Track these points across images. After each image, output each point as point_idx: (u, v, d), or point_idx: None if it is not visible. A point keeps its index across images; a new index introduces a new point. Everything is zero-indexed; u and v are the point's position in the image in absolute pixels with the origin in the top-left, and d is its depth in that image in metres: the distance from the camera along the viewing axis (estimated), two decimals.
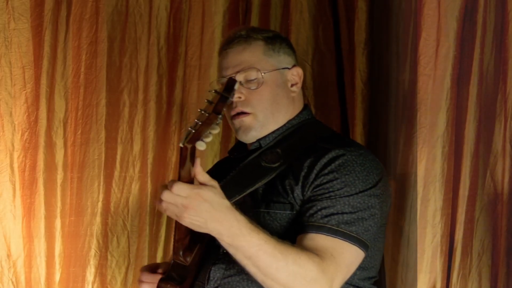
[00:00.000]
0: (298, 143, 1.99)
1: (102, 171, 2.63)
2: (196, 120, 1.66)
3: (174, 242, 1.84)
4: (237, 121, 2.01)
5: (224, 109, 1.69)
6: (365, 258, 1.88)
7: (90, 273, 2.62)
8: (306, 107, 2.11)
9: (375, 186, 1.88)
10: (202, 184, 1.70)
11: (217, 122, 1.65)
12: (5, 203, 2.60)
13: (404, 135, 2.20)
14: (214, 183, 1.72)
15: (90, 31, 2.65)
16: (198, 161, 1.70)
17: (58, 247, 2.61)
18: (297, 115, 2.06)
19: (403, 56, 2.25)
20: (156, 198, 1.72)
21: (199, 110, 1.68)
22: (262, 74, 1.99)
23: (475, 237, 2.04)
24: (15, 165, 2.60)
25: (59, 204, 2.62)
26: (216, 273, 1.89)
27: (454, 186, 2.07)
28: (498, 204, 1.99)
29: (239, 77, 1.99)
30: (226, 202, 1.71)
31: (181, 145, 1.68)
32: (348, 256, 1.81)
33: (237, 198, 1.90)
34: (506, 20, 1.97)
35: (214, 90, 1.69)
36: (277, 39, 2.07)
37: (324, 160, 1.87)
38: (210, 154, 2.63)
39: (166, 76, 2.68)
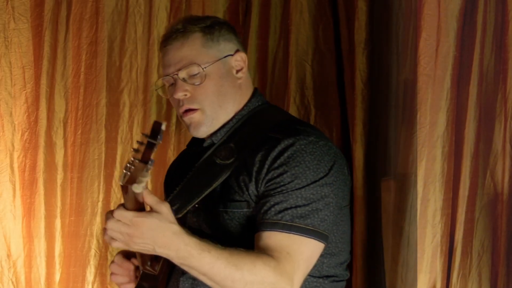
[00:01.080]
0: (250, 134, 1.95)
1: (102, 171, 2.63)
2: (128, 164, 1.65)
3: (138, 254, 1.86)
4: (187, 119, 1.98)
5: (154, 153, 1.65)
6: (330, 244, 1.88)
7: (90, 273, 2.63)
8: (255, 92, 2.06)
9: (327, 175, 1.85)
10: (150, 207, 1.69)
11: (147, 169, 1.62)
12: (5, 203, 2.60)
13: (404, 135, 2.20)
14: (161, 206, 1.70)
15: (90, 31, 2.65)
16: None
17: (58, 247, 2.61)
18: (246, 104, 2.02)
19: (403, 56, 2.25)
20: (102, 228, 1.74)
21: (132, 149, 1.67)
22: (204, 68, 1.95)
23: (475, 237, 2.04)
24: (15, 165, 2.60)
25: (59, 204, 2.62)
26: (185, 283, 1.89)
27: (454, 186, 2.07)
28: (498, 204, 2.00)
29: (182, 74, 1.95)
30: (172, 228, 1.70)
31: (121, 183, 1.67)
32: (305, 251, 1.80)
33: (196, 201, 1.90)
34: (506, 20, 1.97)
35: (142, 133, 1.66)
36: (215, 27, 2.00)
37: (274, 154, 1.85)
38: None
39: None
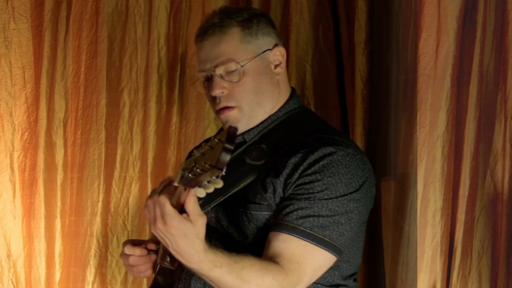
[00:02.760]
0: (284, 138, 1.91)
1: (102, 171, 2.63)
2: (194, 166, 1.56)
3: (161, 247, 1.82)
4: (223, 116, 1.93)
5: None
6: (343, 258, 1.87)
7: (90, 273, 2.63)
8: (293, 93, 2.01)
9: (357, 191, 1.82)
10: (188, 213, 1.64)
11: (219, 176, 1.53)
12: (5, 203, 2.60)
13: (404, 135, 2.20)
14: (198, 219, 1.64)
15: (90, 31, 2.65)
16: (194, 191, 1.62)
17: (58, 247, 2.61)
18: (283, 106, 1.97)
19: (403, 56, 2.25)
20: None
21: (196, 152, 1.58)
22: (242, 65, 1.90)
23: (475, 237, 2.04)
24: (15, 165, 2.60)
25: (59, 204, 2.62)
26: (197, 283, 1.86)
27: (454, 186, 2.07)
28: (498, 204, 1.99)
29: (219, 70, 1.90)
30: (195, 243, 1.65)
31: (176, 184, 1.62)
32: (315, 262, 1.79)
33: (222, 199, 1.88)
34: (506, 20, 1.97)
35: (214, 137, 1.56)
36: (253, 20, 1.94)
37: (309, 160, 1.81)
38: None
39: (166, 76, 2.68)
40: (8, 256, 2.59)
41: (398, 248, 2.22)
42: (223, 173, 1.52)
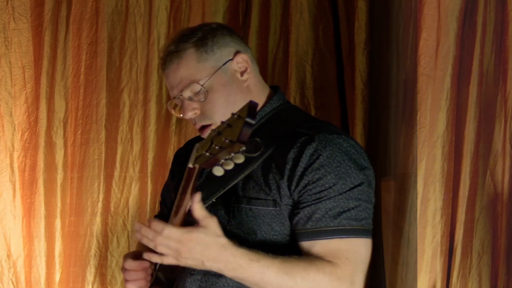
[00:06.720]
0: (277, 130, 1.93)
1: (102, 171, 2.63)
2: (212, 144, 1.55)
3: None
4: (204, 135, 1.96)
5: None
6: None
7: (90, 273, 2.63)
8: (276, 91, 2.03)
9: (368, 175, 1.88)
10: (196, 220, 1.71)
11: (241, 151, 1.52)
12: (5, 203, 2.60)
13: (404, 135, 2.20)
14: (209, 221, 1.72)
15: (90, 31, 2.65)
16: (198, 196, 1.70)
17: (58, 247, 2.61)
18: (268, 102, 2.00)
19: (403, 56, 2.25)
20: (133, 231, 1.74)
21: (213, 130, 1.57)
22: (202, 84, 1.92)
23: (475, 237, 2.04)
24: (15, 165, 2.60)
25: (59, 204, 2.62)
26: (192, 285, 1.89)
27: (454, 186, 2.07)
28: (498, 204, 1.99)
29: (186, 94, 1.94)
30: (220, 241, 1.72)
31: (190, 165, 1.62)
32: (363, 251, 1.84)
33: (222, 192, 1.89)
34: (506, 20, 1.97)
35: (233, 113, 1.54)
36: (208, 36, 1.96)
37: (309, 151, 1.83)
38: None
39: None
40: (8, 256, 2.60)
41: (398, 248, 2.21)
42: (245, 148, 1.52)
